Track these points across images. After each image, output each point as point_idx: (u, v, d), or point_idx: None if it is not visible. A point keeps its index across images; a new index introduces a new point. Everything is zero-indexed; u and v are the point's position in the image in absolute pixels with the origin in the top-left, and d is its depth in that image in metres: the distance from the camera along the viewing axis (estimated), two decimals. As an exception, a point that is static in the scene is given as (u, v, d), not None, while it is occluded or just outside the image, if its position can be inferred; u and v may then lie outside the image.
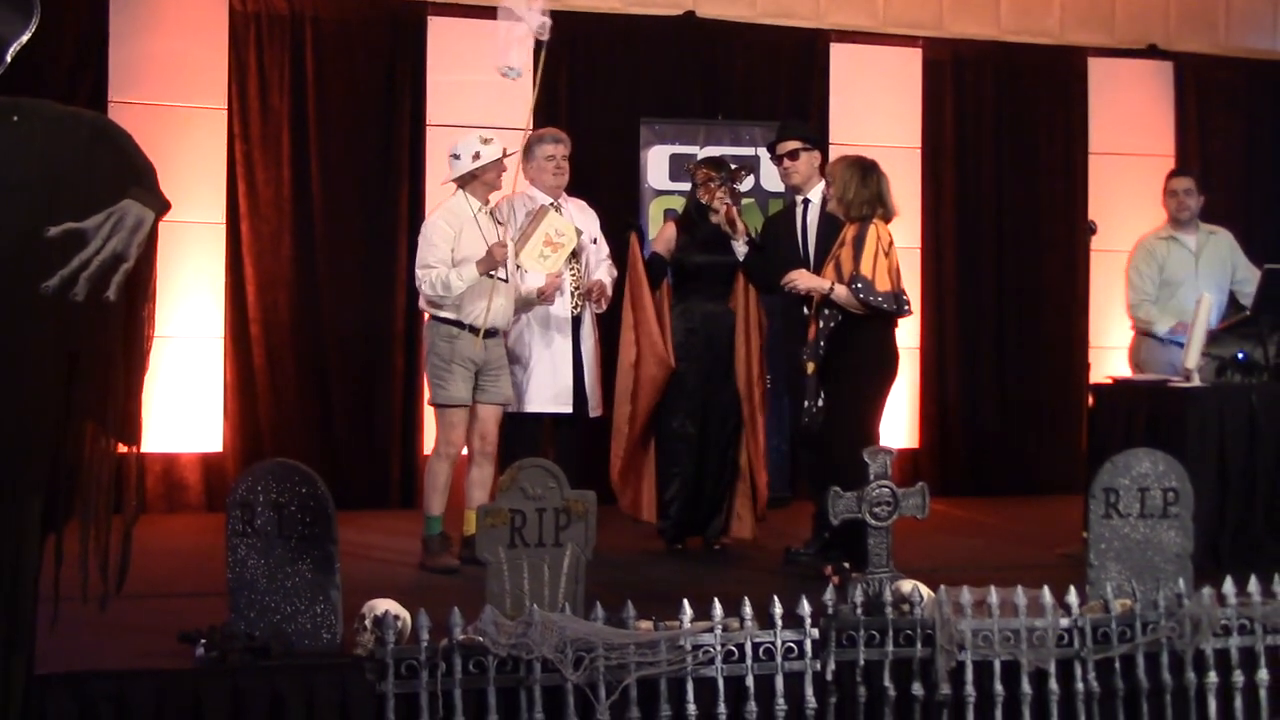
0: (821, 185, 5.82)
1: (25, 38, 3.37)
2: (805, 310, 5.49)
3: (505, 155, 5.63)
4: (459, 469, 5.76)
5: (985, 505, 7.61)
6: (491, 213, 5.70)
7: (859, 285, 5.12)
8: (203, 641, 3.73)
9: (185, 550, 5.85)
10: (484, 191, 5.66)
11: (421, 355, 5.89)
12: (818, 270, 5.41)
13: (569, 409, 5.95)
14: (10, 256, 3.13)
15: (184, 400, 6.87)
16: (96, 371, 3.18)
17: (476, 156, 5.56)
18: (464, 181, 5.62)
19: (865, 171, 5.26)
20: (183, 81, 6.92)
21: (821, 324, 5.20)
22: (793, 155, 5.84)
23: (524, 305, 5.87)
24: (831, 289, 5.17)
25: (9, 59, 3.35)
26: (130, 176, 3.18)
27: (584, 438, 6.10)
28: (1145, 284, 6.79)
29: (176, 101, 6.84)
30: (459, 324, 5.53)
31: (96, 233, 3.02)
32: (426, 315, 5.69)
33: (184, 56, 6.94)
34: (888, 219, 5.29)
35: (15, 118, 3.25)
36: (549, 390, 5.94)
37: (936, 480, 7.47)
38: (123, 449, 3.21)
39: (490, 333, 5.58)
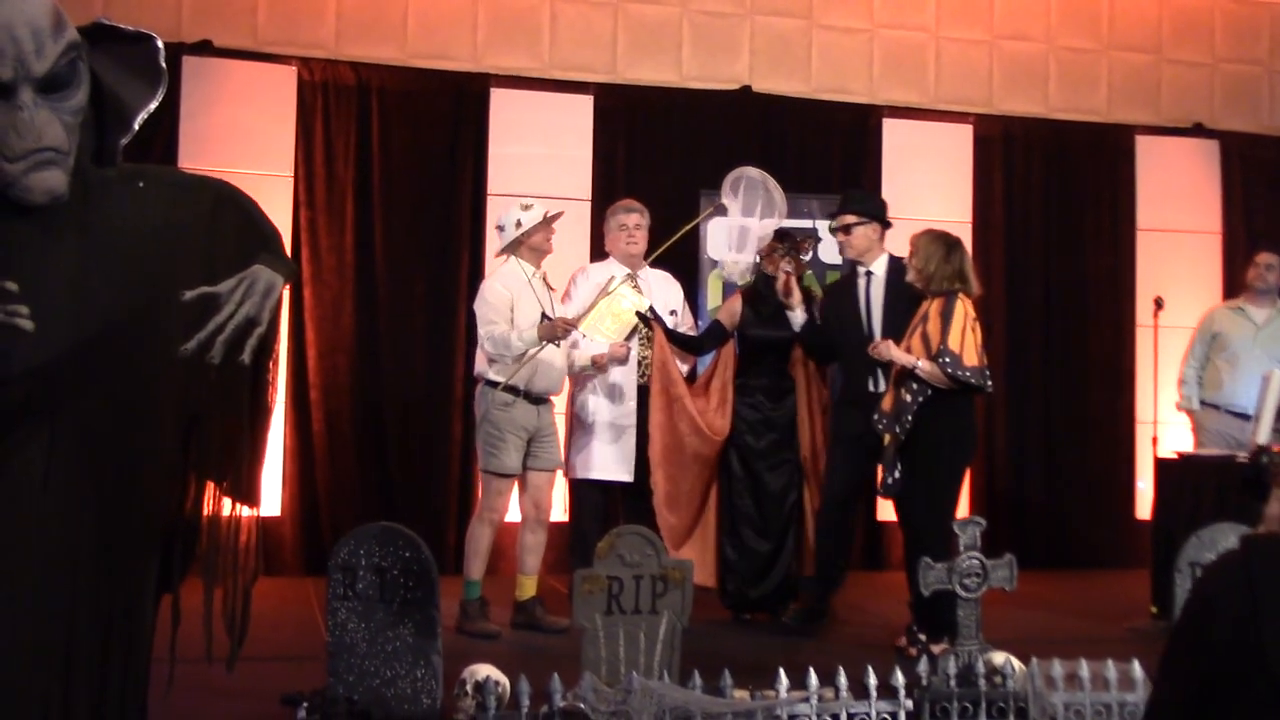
0: (885, 257, 5.87)
1: (153, 105, 3.43)
2: (871, 385, 5.50)
3: (548, 218, 5.71)
4: (510, 534, 5.75)
5: (1035, 578, 7.54)
6: (544, 278, 5.77)
7: (947, 360, 5.11)
8: (304, 705, 3.73)
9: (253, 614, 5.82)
10: (534, 257, 5.75)
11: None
12: (894, 341, 5.40)
13: (630, 478, 5.97)
14: (134, 319, 3.17)
15: (243, 464, 6.87)
16: (223, 433, 3.21)
17: (519, 224, 5.68)
18: (513, 249, 5.71)
19: (950, 247, 5.29)
20: (251, 149, 7.03)
21: (910, 398, 5.16)
22: (846, 230, 5.88)
23: (578, 372, 5.92)
24: (916, 365, 5.16)
25: (136, 126, 3.42)
26: (257, 241, 3.24)
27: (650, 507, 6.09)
28: (1191, 365, 6.89)
29: (244, 168, 6.91)
30: (514, 390, 5.58)
31: (229, 297, 3.07)
32: (480, 382, 5.72)
33: (252, 125, 7.06)
34: (970, 295, 5.31)
35: (140, 183, 3.31)
36: (612, 458, 5.97)
37: (985, 552, 7.41)
38: (245, 511, 3.24)
39: (541, 399, 5.62)
